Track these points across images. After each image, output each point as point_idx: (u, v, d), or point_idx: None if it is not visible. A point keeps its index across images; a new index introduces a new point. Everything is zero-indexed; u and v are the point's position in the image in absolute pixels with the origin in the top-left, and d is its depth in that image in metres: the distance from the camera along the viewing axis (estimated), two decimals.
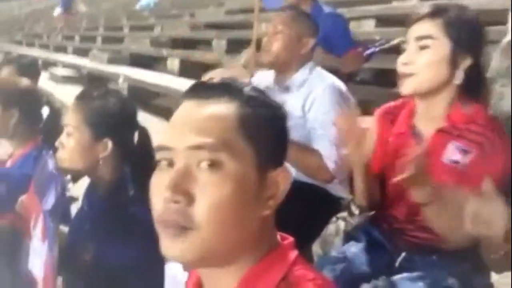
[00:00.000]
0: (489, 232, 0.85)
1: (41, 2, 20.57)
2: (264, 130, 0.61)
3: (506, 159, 1.07)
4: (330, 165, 1.50)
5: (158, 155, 0.61)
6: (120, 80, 5.31)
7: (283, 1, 2.46)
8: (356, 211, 1.51)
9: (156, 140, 1.37)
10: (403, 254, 1.18)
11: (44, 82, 5.60)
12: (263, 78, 1.79)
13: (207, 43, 5.70)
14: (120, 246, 1.12)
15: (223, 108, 0.60)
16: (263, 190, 0.60)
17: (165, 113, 4.40)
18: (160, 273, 1.25)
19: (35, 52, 9.09)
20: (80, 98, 1.25)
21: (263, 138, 0.60)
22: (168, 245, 0.58)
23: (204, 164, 0.57)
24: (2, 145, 1.94)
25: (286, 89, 1.66)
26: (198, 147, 0.57)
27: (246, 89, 0.63)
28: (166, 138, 0.60)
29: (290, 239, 0.65)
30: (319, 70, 1.69)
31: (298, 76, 1.65)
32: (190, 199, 0.57)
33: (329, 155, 1.49)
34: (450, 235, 1.05)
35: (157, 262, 1.26)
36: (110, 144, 1.21)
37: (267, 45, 1.67)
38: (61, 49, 9.28)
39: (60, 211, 1.20)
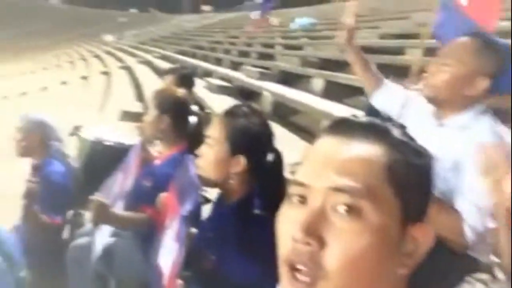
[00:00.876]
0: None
1: (208, 18, 22.80)
2: (413, 180, 0.55)
3: None
4: (469, 234, 1.29)
5: (291, 189, 0.57)
6: (266, 94, 5.54)
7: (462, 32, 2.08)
8: (500, 275, 1.28)
9: (288, 157, 1.39)
10: None
11: (200, 89, 6.15)
12: (423, 102, 1.52)
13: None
14: (244, 262, 1.14)
15: (370, 150, 0.54)
16: (402, 246, 0.54)
17: (302, 131, 4.45)
18: None
19: (196, 63, 10.05)
20: (226, 114, 1.32)
21: (410, 189, 0.54)
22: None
23: (342, 209, 0.52)
24: (155, 145, 2.17)
25: (442, 125, 1.43)
26: (339, 190, 0.52)
27: (396, 132, 0.57)
28: (303, 173, 0.56)
29: None
30: (489, 121, 1.37)
31: (460, 118, 1.39)
32: (322, 244, 0.52)
33: (471, 223, 1.28)
34: None
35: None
36: (243, 161, 1.25)
37: (431, 76, 1.42)
38: (219, 62, 10.11)
39: (194, 217, 1.27)
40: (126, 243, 1.91)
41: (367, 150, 0.54)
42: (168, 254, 1.26)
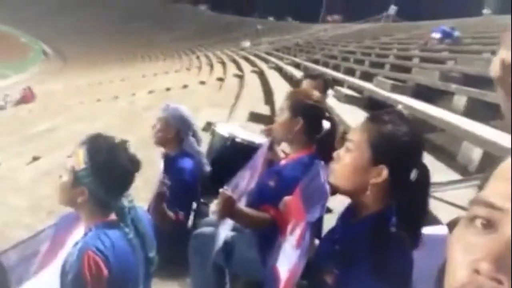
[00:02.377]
0: None
1: (344, 28, 22.58)
2: None
3: None
4: None
5: (475, 210, 0.47)
6: (399, 108, 5.23)
7: None
8: None
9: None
10: None
11: (329, 98, 6.07)
12: None
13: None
14: (371, 283, 1.04)
15: None
16: None
17: (437, 151, 4.09)
18: None
19: (328, 71, 9.98)
20: (373, 118, 1.22)
21: None
22: None
23: None
24: (281, 146, 2.16)
25: None
26: None
27: None
28: (496, 193, 0.47)
29: None
30: None
31: None
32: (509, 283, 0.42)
33: None
34: None
35: None
36: (385, 172, 1.14)
37: None
38: (350, 71, 9.91)
39: (316, 226, 1.20)
40: (245, 240, 1.93)
41: None
42: (287, 260, 1.21)
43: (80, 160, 1.38)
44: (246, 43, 23.57)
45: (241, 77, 11.93)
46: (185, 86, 11.59)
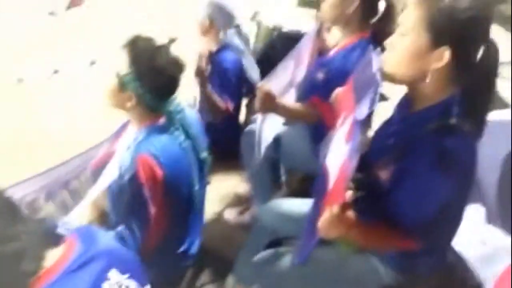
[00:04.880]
0: None
1: None
2: None
3: None
4: None
5: None
6: None
7: None
8: None
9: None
10: None
11: None
12: None
13: None
14: (432, 179, 0.98)
15: None
16: None
17: (507, 22, 3.66)
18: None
19: None
20: None
21: None
22: None
23: None
24: (333, 33, 1.98)
25: None
26: None
27: None
28: None
29: None
30: None
31: None
32: None
33: None
34: None
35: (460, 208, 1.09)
36: (447, 54, 0.99)
37: None
38: None
39: (370, 118, 1.12)
40: (296, 133, 1.90)
41: None
42: (338, 155, 1.16)
43: (123, 64, 1.36)
44: None
45: None
46: None
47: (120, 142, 1.51)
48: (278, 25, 2.76)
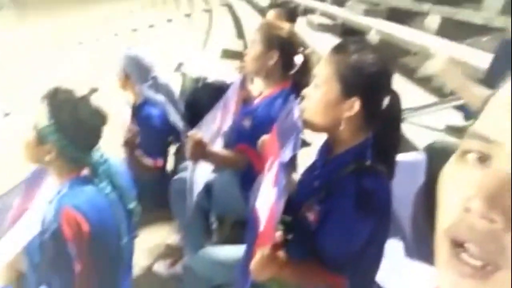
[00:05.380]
0: None
1: None
2: None
3: None
4: None
5: (467, 144, 0.43)
6: (372, 33, 5.15)
7: None
8: None
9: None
10: None
11: (301, 27, 5.91)
12: None
13: (476, 2, 4.93)
14: (353, 217, 1.05)
15: None
16: None
17: (411, 73, 4.09)
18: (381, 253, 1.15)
19: None
20: (336, 50, 1.16)
21: None
22: (456, 281, 0.40)
23: None
24: (256, 84, 2.10)
25: None
26: None
27: None
28: (488, 123, 0.42)
29: None
30: None
31: None
32: (509, 222, 0.38)
33: None
34: None
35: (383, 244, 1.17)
36: (357, 104, 1.10)
37: None
38: None
39: (294, 162, 1.19)
40: (225, 181, 1.93)
41: None
42: (267, 199, 1.21)
43: (42, 116, 1.31)
44: None
45: (209, 11, 11.46)
46: (151, 26, 11.11)
47: (39, 195, 1.44)
48: (203, 76, 2.84)
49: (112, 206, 1.38)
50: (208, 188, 1.91)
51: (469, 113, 2.16)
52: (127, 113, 2.25)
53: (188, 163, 1.85)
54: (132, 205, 1.46)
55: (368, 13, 6.37)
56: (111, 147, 1.98)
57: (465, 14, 4.63)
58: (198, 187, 1.78)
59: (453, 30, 4.60)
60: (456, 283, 0.40)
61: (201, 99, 2.63)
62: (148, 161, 2.28)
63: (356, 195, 1.06)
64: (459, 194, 0.40)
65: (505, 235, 0.37)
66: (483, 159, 0.41)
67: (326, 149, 1.25)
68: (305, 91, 1.20)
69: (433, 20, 5.12)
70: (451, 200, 0.41)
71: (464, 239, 0.39)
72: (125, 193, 1.45)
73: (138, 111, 2.32)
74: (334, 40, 5.66)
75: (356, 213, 1.05)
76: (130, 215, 1.46)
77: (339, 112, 1.12)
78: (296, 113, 1.22)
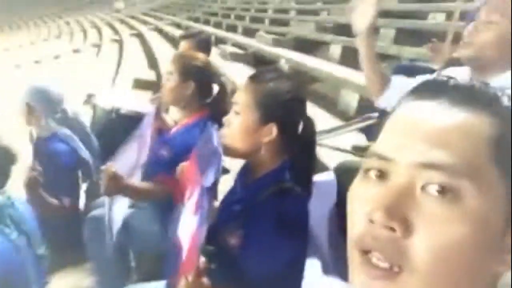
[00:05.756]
0: None
1: None
2: None
3: None
4: None
5: (368, 163, 0.47)
6: (282, 62, 5.40)
7: None
8: None
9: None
10: None
11: (214, 57, 6.03)
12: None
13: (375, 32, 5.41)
14: (274, 239, 1.07)
15: (472, 120, 0.44)
16: (503, 242, 0.44)
17: (321, 100, 4.34)
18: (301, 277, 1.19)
19: (210, 29, 9.84)
20: (254, 78, 1.22)
21: None
22: (366, 283, 0.44)
23: (435, 189, 0.42)
24: (171, 113, 2.09)
25: None
26: (432, 166, 0.43)
27: (505, 99, 0.45)
28: (385, 145, 0.47)
29: None
30: None
31: (502, 80, 1.29)
32: (407, 229, 0.42)
33: None
34: None
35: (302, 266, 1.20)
36: (275, 130, 1.16)
37: (471, 35, 1.35)
38: (232, 28, 9.88)
39: (216, 188, 1.20)
40: (144, 215, 1.87)
41: (468, 119, 0.44)
42: (188, 227, 1.20)
43: None
44: (120, 4, 22.11)
45: (119, 42, 11.23)
46: (56, 57, 10.59)
47: None
48: (115, 107, 2.76)
49: (19, 252, 1.27)
50: (126, 225, 1.83)
51: (372, 135, 2.34)
52: (30, 150, 2.09)
53: (104, 199, 1.77)
54: (41, 250, 1.36)
55: (276, 43, 6.68)
56: (19, 187, 1.84)
57: None
58: (116, 224, 1.70)
59: (354, 59, 4.99)
60: (368, 285, 0.44)
61: (114, 131, 2.54)
62: (54, 202, 2.12)
63: (276, 217, 1.09)
64: (364, 208, 0.45)
65: (404, 241, 0.42)
66: (382, 175, 0.46)
67: (245, 173, 1.28)
68: (226, 118, 1.23)
69: (335, 49, 5.52)
70: (358, 214, 0.46)
71: (371, 247, 0.44)
72: (33, 238, 1.35)
73: (44, 147, 2.18)
74: (246, 69, 5.85)
75: (277, 234, 1.08)
76: (39, 260, 1.36)
77: (258, 138, 1.17)
78: (215, 140, 1.24)
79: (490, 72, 1.33)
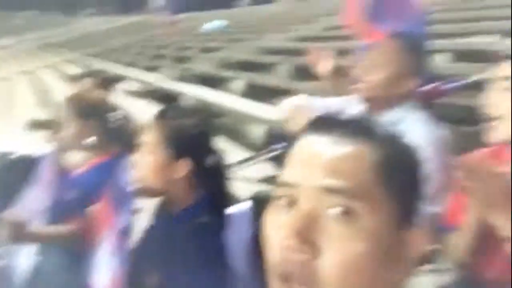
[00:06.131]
0: None
1: (118, 21, 21.92)
2: (405, 179, 0.52)
3: None
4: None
5: (277, 191, 0.52)
6: (186, 98, 5.44)
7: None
8: (447, 265, 1.36)
9: None
10: None
11: (116, 94, 5.85)
12: (350, 107, 1.66)
13: (273, 67, 5.73)
14: (196, 274, 1.07)
15: (360, 149, 0.51)
16: (397, 252, 0.50)
17: (227, 132, 4.43)
18: None
19: (109, 67, 9.59)
20: (160, 116, 1.23)
21: (403, 189, 0.51)
22: None
23: (335, 212, 0.48)
24: (77, 153, 1.99)
25: None
26: (331, 190, 0.48)
27: (383, 129, 0.54)
28: (291, 174, 0.52)
29: None
30: (420, 112, 1.49)
31: (394, 114, 1.45)
32: (316, 251, 0.47)
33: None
34: None
35: None
36: (187, 164, 1.17)
37: (363, 75, 1.49)
38: (132, 64, 9.74)
39: (132, 228, 1.17)
40: (52, 261, 1.73)
41: (355, 148, 0.51)
42: (106, 270, 1.15)
43: None
44: (7, 40, 20.63)
45: (8, 80, 10.42)
46: None
47: None
48: (7, 151, 2.55)
49: None
50: (34, 274, 1.67)
51: (281, 164, 2.44)
52: None
53: (4, 250, 1.61)
54: None
55: (180, 79, 6.72)
56: None
57: (264, 79, 5.32)
58: (22, 273, 1.55)
59: (257, 93, 5.20)
60: None
61: (9, 177, 2.34)
62: None
63: (195, 254, 1.10)
64: (278, 235, 0.49)
65: (314, 261, 0.47)
66: (291, 202, 0.50)
67: (161, 211, 1.26)
68: (135, 158, 1.21)
69: (238, 84, 5.71)
70: (273, 241, 0.50)
71: (288, 271, 0.48)
72: None
73: None
74: (150, 106, 5.77)
75: (197, 271, 1.08)
76: None
77: (171, 174, 1.17)
78: (126, 180, 1.22)
79: (381, 109, 1.48)
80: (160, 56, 9.73)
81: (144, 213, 1.94)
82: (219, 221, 1.20)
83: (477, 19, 4.58)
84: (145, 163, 1.19)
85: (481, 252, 1.12)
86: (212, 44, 9.33)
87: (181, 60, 8.59)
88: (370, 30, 2.19)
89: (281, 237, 0.48)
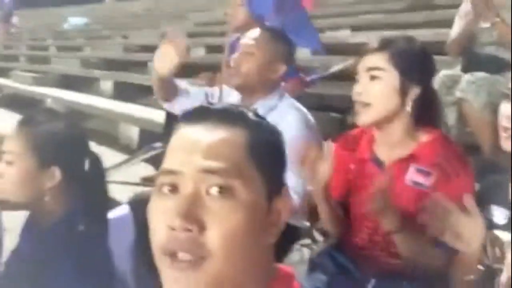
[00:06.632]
0: (468, 249, 0.87)
1: None
2: (272, 156, 0.61)
3: (467, 180, 1.12)
4: (295, 198, 1.41)
5: (160, 179, 0.57)
6: (49, 102, 5.00)
7: (272, 8, 2.28)
8: (319, 237, 1.48)
9: None
10: (373, 280, 1.16)
11: None
12: (226, 95, 1.73)
13: (142, 65, 5.55)
14: (78, 285, 1.00)
15: (232, 134, 0.58)
16: (268, 218, 0.59)
17: (99, 136, 4.19)
18: None
19: None
20: (24, 122, 1.13)
21: (271, 166, 0.60)
22: (179, 277, 0.54)
23: (215, 190, 0.55)
24: None
25: None
26: (210, 171, 0.55)
27: (251, 115, 0.61)
28: (171, 162, 0.57)
29: (290, 269, 0.63)
30: (289, 99, 1.63)
31: (266, 102, 1.56)
32: (201, 227, 0.54)
33: (295, 188, 1.36)
34: (419, 261, 1.06)
35: None
36: (58, 172, 1.09)
37: (236, 65, 1.58)
38: None
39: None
40: None
41: (228, 133, 0.58)
42: None
43: None
44: None
45: None
46: None
47: None
48: None
49: None
50: None
51: (159, 163, 2.40)
52: None
53: None
54: None
55: (37, 82, 6.13)
56: None
57: (134, 78, 5.12)
58: None
59: (126, 92, 4.99)
60: (178, 278, 0.54)
61: None
62: None
63: (76, 266, 1.03)
64: (163, 219, 0.55)
65: (201, 237, 0.53)
66: (174, 189, 0.56)
67: (31, 225, 1.15)
68: None
69: (106, 85, 5.41)
70: (158, 226, 0.55)
71: (175, 249, 0.54)
72: None
73: None
74: (6, 113, 5.17)
75: (80, 282, 1.02)
76: None
77: (40, 185, 1.09)
78: None
79: (253, 96, 1.58)
80: (13, 58, 8.74)
81: (11, 232, 1.75)
82: (99, 228, 1.14)
83: (328, 16, 5.00)
84: (8, 176, 1.08)
85: (346, 222, 1.26)
86: (73, 43, 8.66)
87: (38, 61, 7.83)
88: (246, 20, 2.34)
89: (167, 220, 0.54)
